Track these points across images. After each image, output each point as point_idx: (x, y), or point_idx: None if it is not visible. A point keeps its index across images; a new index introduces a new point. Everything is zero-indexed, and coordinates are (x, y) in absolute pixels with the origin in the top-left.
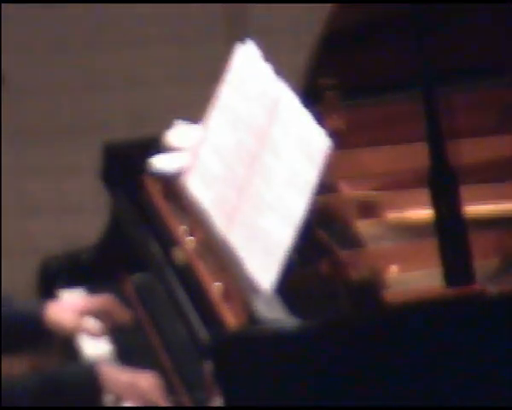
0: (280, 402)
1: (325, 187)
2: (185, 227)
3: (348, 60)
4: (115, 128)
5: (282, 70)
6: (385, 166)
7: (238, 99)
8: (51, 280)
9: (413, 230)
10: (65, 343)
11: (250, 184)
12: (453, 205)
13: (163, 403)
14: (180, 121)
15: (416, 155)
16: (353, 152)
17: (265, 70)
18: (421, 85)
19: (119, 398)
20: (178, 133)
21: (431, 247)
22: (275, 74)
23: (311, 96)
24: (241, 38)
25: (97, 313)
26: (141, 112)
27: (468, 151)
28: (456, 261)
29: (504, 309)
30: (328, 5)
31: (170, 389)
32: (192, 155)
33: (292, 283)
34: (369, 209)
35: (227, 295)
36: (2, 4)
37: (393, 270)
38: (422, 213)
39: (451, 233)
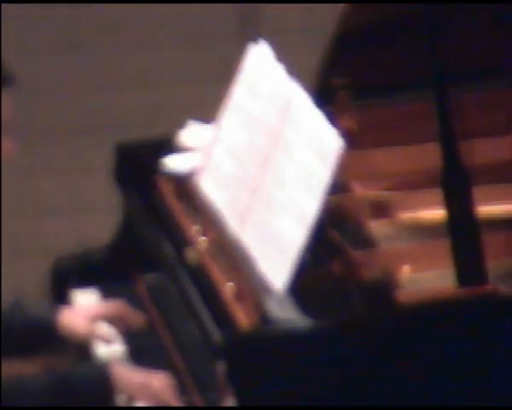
0: (292, 402)
1: (338, 187)
2: (198, 227)
3: (360, 60)
4: (128, 128)
5: (294, 70)
6: (397, 166)
7: (251, 99)
8: (64, 280)
9: (425, 230)
10: (78, 344)
11: (262, 184)
12: (465, 205)
13: (175, 403)
14: (193, 121)
15: (429, 156)
16: (366, 152)
17: (278, 70)
18: (433, 85)
19: (131, 398)
20: (191, 133)
21: (443, 247)
22: (287, 74)
23: (324, 96)
24: (253, 38)
25: (110, 319)
26: (154, 112)
27: (481, 151)
28: (468, 261)
29: None
30: (341, 5)
31: (182, 389)
32: (205, 155)
33: (304, 283)
34: (381, 209)
35: (239, 295)
36: (15, 5)
37: (406, 270)
38: (435, 213)
39: (464, 233)
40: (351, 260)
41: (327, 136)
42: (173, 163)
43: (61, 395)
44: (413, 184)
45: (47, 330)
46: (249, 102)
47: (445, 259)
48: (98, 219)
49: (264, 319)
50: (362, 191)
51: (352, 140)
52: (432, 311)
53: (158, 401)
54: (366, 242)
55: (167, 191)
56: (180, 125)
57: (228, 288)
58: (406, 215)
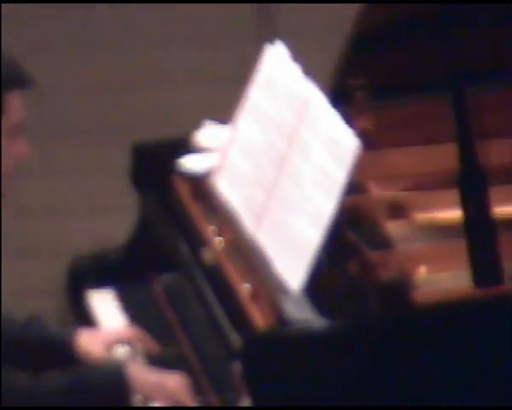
0: (308, 403)
1: (354, 188)
2: (214, 227)
3: (377, 60)
4: (144, 128)
5: (310, 70)
6: (414, 166)
7: (267, 99)
8: (80, 280)
9: (442, 230)
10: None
11: (278, 184)
12: (482, 206)
13: (191, 403)
14: (209, 121)
15: (445, 156)
16: (382, 153)
17: (294, 70)
18: (450, 86)
19: (146, 398)
20: (207, 133)
21: (459, 247)
22: (304, 75)
23: (340, 97)
24: (270, 38)
25: (127, 344)
26: (170, 112)
27: (497, 152)
28: (484, 262)
29: None
30: (357, 5)
31: (198, 389)
32: (221, 155)
33: (320, 283)
34: (398, 210)
35: (255, 295)
36: (29, 5)
37: (422, 271)
38: (451, 213)
39: (480, 234)
40: (367, 261)
41: (343, 136)
42: (189, 163)
43: (77, 395)
44: (430, 184)
45: (63, 349)
46: (265, 103)
47: (461, 259)
48: (114, 219)
49: (280, 319)
50: (378, 192)
51: (369, 141)
52: (448, 311)
53: (173, 401)
54: (382, 242)
55: (183, 192)
56: (196, 125)
57: (244, 288)
58: (423, 216)
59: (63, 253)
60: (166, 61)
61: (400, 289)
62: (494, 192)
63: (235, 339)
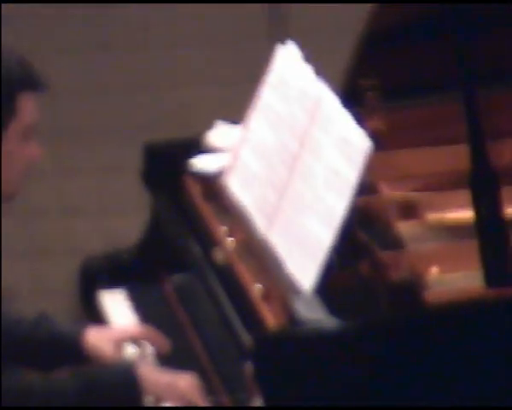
0: (319, 403)
1: (366, 188)
2: (225, 228)
3: (388, 60)
4: (156, 128)
5: (322, 71)
6: (425, 167)
7: (279, 100)
8: (92, 280)
9: (453, 231)
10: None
11: (290, 184)
12: (493, 206)
13: (202, 404)
14: (221, 122)
15: (457, 156)
16: (394, 153)
17: (306, 71)
18: (462, 86)
19: (158, 399)
20: (219, 134)
21: (471, 248)
22: (315, 75)
23: (352, 97)
24: (281, 38)
25: (136, 342)
26: (182, 112)
27: (509, 152)
28: (495, 262)
29: None
30: (369, 5)
31: (210, 389)
32: (233, 155)
33: (332, 284)
34: (409, 210)
35: (267, 295)
36: (44, 5)
37: (433, 271)
38: (463, 214)
39: (492, 234)
40: (378, 261)
41: (355, 136)
42: (201, 163)
43: (88, 397)
44: (441, 184)
45: (71, 346)
46: (277, 103)
47: (472, 260)
48: (126, 219)
49: (291, 319)
50: (390, 192)
51: (380, 141)
52: (459, 312)
53: (185, 401)
54: (394, 242)
55: (195, 192)
56: (208, 125)
57: (255, 288)
58: (434, 216)
59: (75, 253)
60: (178, 62)
61: (411, 290)
62: (506, 192)
63: (247, 339)
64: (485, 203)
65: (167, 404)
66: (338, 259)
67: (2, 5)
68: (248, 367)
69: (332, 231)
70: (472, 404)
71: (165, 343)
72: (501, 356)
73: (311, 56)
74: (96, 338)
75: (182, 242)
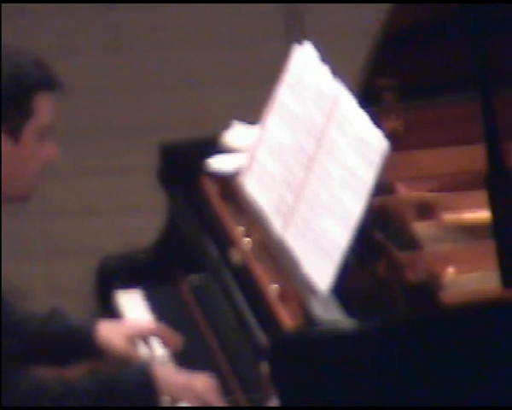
0: (336, 403)
1: (382, 188)
2: (242, 228)
3: (405, 60)
4: (172, 128)
5: (339, 71)
6: (442, 167)
7: (295, 100)
8: (108, 280)
9: (470, 231)
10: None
11: (307, 184)
12: (510, 206)
13: (218, 404)
14: (237, 122)
15: (474, 157)
16: (411, 153)
17: (323, 71)
18: (479, 86)
19: (174, 399)
20: (236, 134)
21: (488, 248)
22: (332, 75)
23: (369, 97)
24: (298, 39)
25: (148, 338)
26: (198, 112)
27: None
28: None
29: None
30: (386, 5)
31: (226, 389)
32: (249, 155)
33: (348, 284)
34: (426, 211)
35: (283, 296)
36: (57, 5)
37: (450, 271)
38: (480, 214)
39: (508, 235)
40: (395, 262)
41: (372, 137)
42: (218, 164)
43: (104, 397)
44: (458, 185)
45: (83, 340)
46: (294, 103)
47: (489, 260)
48: (143, 219)
49: (308, 320)
50: (407, 192)
51: (397, 141)
52: (476, 312)
53: (201, 401)
54: (410, 243)
55: (212, 192)
56: (225, 125)
57: (272, 289)
58: (451, 216)
59: (92, 253)
60: (194, 62)
61: (428, 290)
62: None
63: (263, 339)
64: (502, 204)
65: (183, 404)
66: (354, 259)
67: (16, 6)
68: (264, 367)
69: (348, 231)
70: (488, 404)
71: (177, 341)
72: None
73: (327, 56)
74: (107, 332)
75: (198, 242)
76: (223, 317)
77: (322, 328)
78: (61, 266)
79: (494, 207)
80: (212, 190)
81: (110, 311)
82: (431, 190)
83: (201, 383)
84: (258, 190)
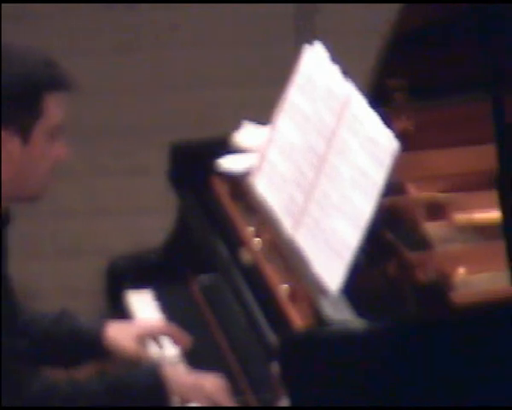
0: (346, 403)
1: (393, 188)
2: (252, 228)
3: (416, 60)
4: (183, 128)
5: (349, 71)
6: (453, 167)
7: (306, 100)
8: (119, 280)
9: (481, 231)
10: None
11: (317, 185)
12: None
13: (228, 404)
14: (248, 122)
15: (484, 157)
16: (421, 153)
17: (333, 71)
18: (489, 86)
19: (184, 400)
20: (246, 134)
21: (499, 248)
22: (342, 75)
23: (379, 97)
24: (308, 39)
25: (158, 338)
26: (209, 112)
27: None
28: None
29: None
30: (396, 5)
31: (236, 389)
32: (260, 155)
33: (359, 284)
34: (437, 211)
35: (294, 296)
36: (72, 5)
37: (461, 271)
38: (490, 214)
39: None
40: (406, 262)
41: (382, 137)
42: (228, 164)
43: (113, 397)
44: (469, 185)
45: (92, 341)
46: (304, 103)
47: (500, 260)
48: (153, 219)
49: (318, 320)
50: (417, 193)
51: (408, 141)
52: (487, 312)
53: (210, 401)
54: (421, 243)
55: (222, 192)
56: (235, 125)
57: (282, 289)
58: (461, 217)
59: (102, 253)
60: (205, 62)
61: (438, 290)
62: None
63: (273, 339)
64: None
65: (193, 404)
66: (365, 259)
67: (29, 5)
68: (274, 367)
69: (359, 231)
70: (500, 404)
71: (187, 340)
72: None
73: (337, 56)
74: (117, 333)
75: (209, 242)
76: (233, 317)
77: (333, 328)
78: (71, 266)
79: (504, 208)
80: (222, 190)
81: (120, 311)
82: (441, 191)
83: (211, 384)
84: (269, 191)
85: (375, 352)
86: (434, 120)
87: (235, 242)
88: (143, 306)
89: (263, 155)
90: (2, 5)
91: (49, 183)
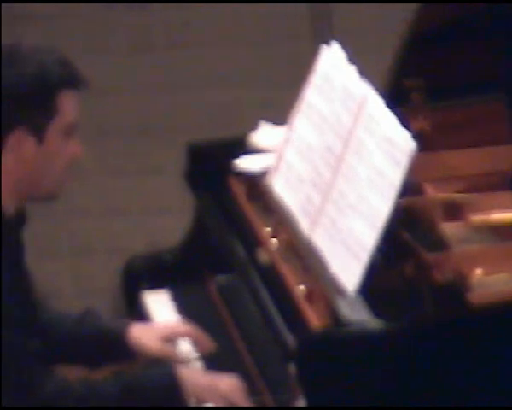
0: (363, 403)
1: (410, 189)
2: (269, 228)
3: (434, 60)
4: (200, 128)
5: (366, 71)
6: (471, 168)
7: (323, 100)
8: (135, 280)
9: (498, 232)
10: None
11: (334, 185)
12: None
13: (244, 404)
14: (265, 122)
15: (501, 157)
16: (438, 154)
17: (350, 71)
18: (507, 86)
19: (199, 400)
20: (263, 134)
21: None
22: (359, 75)
23: (396, 98)
24: (325, 39)
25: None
26: (225, 112)
27: None
28: None
29: None
30: (413, 5)
31: (253, 389)
32: (277, 156)
33: (376, 285)
34: (454, 211)
35: (310, 296)
36: (85, 5)
37: (478, 272)
38: (507, 215)
39: None
40: (423, 262)
41: (399, 137)
42: (245, 164)
43: (128, 398)
44: (486, 185)
45: (116, 342)
46: (321, 103)
47: None
48: (169, 219)
49: (335, 320)
50: (435, 193)
51: (425, 142)
52: (504, 313)
53: (226, 401)
54: (438, 244)
55: (239, 192)
56: (252, 125)
57: (299, 289)
58: (479, 217)
59: (118, 253)
60: (222, 62)
61: (456, 291)
62: None
63: (290, 340)
64: None
65: (209, 405)
66: (382, 260)
67: (48, 5)
68: (291, 368)
69: (376, 231)
70: None
71: (210, 343)
72: None
73: (355, 56)
74: (141, 335)
75: (225, 242)
76: (250, 317)
77: (350, 329)
78: (88, 266)
79: None
80: (239, 190)
81: (136, 311)
82: (459, 191)
83: (226, 384)
84: (286, 191)
85: (391, 352)
86: (451, 120)
87: (252, 242)
88: (160, 306)
89: (280, 156)
90: (15, 5)
91: (65, 181)
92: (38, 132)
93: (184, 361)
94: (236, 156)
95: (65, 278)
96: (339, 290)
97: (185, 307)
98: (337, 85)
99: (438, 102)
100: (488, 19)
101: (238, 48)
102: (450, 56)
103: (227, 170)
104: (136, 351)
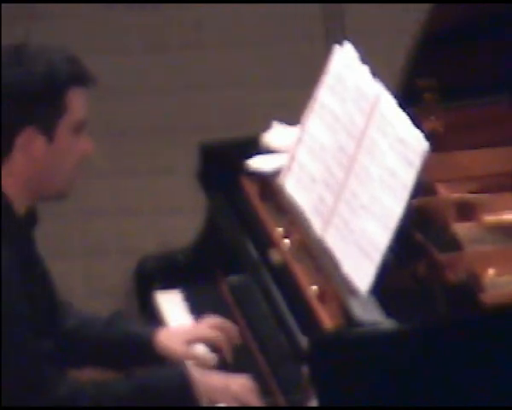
0: (375, 403)
1: (423, 189)
2: (282, 228)
3: (446, 61)
4: (212, 128)
5: (379, 71)
6: (483, 168)
7: (335, 100)
8: (147, 280)
9: (511, 233)
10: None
11: (347, 185)
12: None
13: (256, 404)
14: (277, 122)
15: None
16: (451, 154)
17: (363, 71)
18: None
19: (211, 401)
20: (276, 134)
21: None
22: (372, 75)
23: (409, 98)
24: (338, 39)
25: (207, 343)
26: (238, 112)
27: None
28: None
29: None
30: (426, 5)
31: (265, 390)
32: (289, 156)
33: (389, 285)
34: (467, 212)
35: (323, 296)
36: (98, 5)
37: (491, 273)
38: None
39: None
40: (435, 263)
41: (412, 137)
42: (258, 164)
43: (140, 399)
44: (499, 186)
45: (144, 346)
46: (334, 104)
47: None
48: (181, 219)
49: (347, 320)
50: (447, 193)
51: (438, 142)
52: None
53: (238, 402)
54: (451, 244)
55: (251, 192)
56: (265, 126)
57: (311, 289)
58: (491, 218)
59: (130, 253)
60: (235, 62)
61: (468, 292)
62: None
63: (303, 340)
64: None
65: (221, 405)
66: (394, 260)
67: (57, 5)
68: (304, 368)
69: (388, 232)
70: None
71: (231, 354)
72: None
73: (367, 56)
74: (167, 338)
75: (238, 242)
76: (262, 317)
77: (362, 329)
78: (100, 266)
79: None
80: (251, 190)
81: (149, 311)
82: (471, 191)
83: (238, 384)
84: (298, 191)
85: (404, 353)
86: (464, 120)
87: (264, 242)
88: (172, 306)
89: (292, 156)
90: (27, 4)
91: (76, 179)
92: (48, 131)
93: (208, 365)
94: (249, 156)
95: (77, 278)
96: (351, 291)
97: (197, 308)
98: (350, 85)
99: (450, 102)
100: (501, 19)
101: (250, 48)
102: (463, 56)
103: (239, 170)
104: (161, 354)
